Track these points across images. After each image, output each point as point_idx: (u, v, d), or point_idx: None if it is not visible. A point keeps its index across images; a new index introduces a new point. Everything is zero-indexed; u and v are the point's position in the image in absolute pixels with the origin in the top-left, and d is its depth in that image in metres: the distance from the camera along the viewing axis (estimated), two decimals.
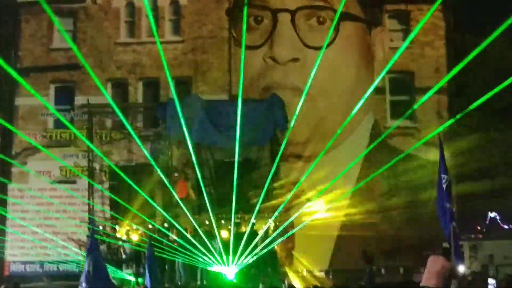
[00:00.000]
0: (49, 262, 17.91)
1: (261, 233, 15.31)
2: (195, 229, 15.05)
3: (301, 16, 18.71)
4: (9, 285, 14.76)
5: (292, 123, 14.41)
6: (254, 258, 14.46)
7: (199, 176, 15.12)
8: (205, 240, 14.67)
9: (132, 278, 15.35)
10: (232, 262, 14.23)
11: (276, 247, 16.09)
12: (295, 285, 15.60)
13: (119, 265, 15.80)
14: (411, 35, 18.08)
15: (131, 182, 14.07)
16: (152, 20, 17.74)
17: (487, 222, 18.81)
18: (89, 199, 17.99)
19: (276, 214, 15.63)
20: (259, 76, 18.63)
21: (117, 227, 17.00)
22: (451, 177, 17.86)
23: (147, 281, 11.76)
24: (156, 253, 13.90)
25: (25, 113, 18.91)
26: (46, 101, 18.80)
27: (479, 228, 18.83)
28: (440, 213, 9.68)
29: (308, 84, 13.38)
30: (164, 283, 15.17)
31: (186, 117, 15.99)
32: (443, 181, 9.31)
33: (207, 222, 15.48)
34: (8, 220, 17.99)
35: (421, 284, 11.21)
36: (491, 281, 13.69)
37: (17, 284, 14.31)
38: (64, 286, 16.07)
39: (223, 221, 15.73)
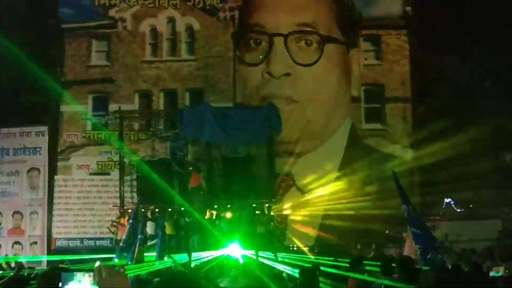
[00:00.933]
0: (88, 239, 17.98)
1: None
2: (205, 213, 15.07)
3: (292, 39, 18.85)
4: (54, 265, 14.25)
5: None
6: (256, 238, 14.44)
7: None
8: (213, 221, 14.81)
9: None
10: (236, 239, 14.24)
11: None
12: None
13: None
14: None
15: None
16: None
17: (443, 206, 18.96)
18: (120, 187, 17.69)
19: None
20: (258, 87, 18.79)
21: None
22: (415, 171, 18.33)
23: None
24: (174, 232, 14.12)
25: (69, 118, 19.02)
26: (85, 108, 19.10)
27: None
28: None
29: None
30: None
31: (198, 121, 16.25)
32: (404, 211, 7.86)
33: (215, 206, 15.42)
34: (55, 205, 18.09)
35: None
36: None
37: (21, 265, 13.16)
38: (99, 258, 16.13)
39: (228, 206, 15.54)
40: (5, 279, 7.93)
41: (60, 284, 4.40)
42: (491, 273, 6.90)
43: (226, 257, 13.89)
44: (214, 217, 15.13)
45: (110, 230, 16.50)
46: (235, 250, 14.10)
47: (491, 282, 6.83)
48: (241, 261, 13.54)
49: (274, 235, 16.15)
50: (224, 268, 11.68)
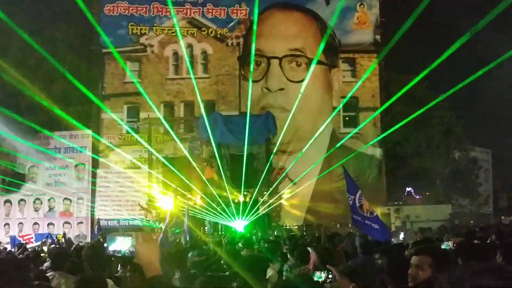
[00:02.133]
0: (123, 219, 17.92)
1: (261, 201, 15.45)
2: (217, 198, 15.01)
3: (285, 61, 18.96)
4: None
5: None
6: (255, 217, 14.48)
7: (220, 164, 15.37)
8: (223, 205, 14.76)
9: None
10: (241, 218, 14.43)
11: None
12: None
13: None
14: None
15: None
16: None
17: (405, 194, 19.03)
18: (148, 179, 17.84)
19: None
20: (258, 99, 18.81)
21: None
22: (383, 166, 18.31)
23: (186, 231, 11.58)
24: (192, 213, 13.96)
25: (108, 123, 19.05)
26: (121, 116, 19.01)
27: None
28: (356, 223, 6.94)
29: (295, 106, 13.54)
30: (196, 232, 14.67)
31: (211, 126, 16.23)
32: (357, 197, 6.48)
33: (224, 194, 15.28)
34: (97, 192, 18.14)
35: None
36: (401, 235, 13.22)
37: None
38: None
39: (235, 193, 15.59)
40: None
41: (105, 245, 4.34)
42: (442, 246, 6.81)
43: (234, 229, 14.08)
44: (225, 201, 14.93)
45: (142, 207, 16.55)
46: (240, 225, 14.26)
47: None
48: (242, 231, 13.75)
49: (271, 216, 16.33)
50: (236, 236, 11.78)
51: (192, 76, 18.47)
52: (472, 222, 17.01)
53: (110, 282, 4.23)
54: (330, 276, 2.95)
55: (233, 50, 19.56)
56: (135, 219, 17.45)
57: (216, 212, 14.53)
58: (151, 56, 19.49)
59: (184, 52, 18.89)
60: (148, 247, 2.24)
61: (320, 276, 2.97)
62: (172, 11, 18.81)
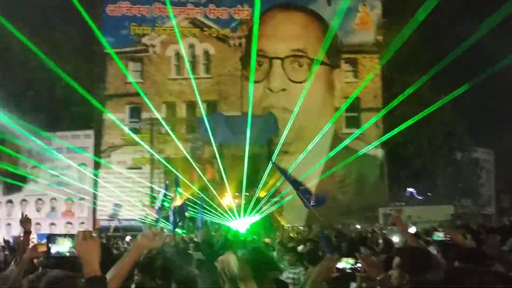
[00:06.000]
0: (124, 219, 17.90)
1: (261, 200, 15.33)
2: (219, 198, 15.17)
3: (287, 62, 18.94)
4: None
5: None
6: (256, 218, 14.49)
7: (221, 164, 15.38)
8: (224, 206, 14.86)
9: None
10: (242, 217, 14.48)
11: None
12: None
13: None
14: None
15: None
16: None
17: (407, 195, 18.95)
18: (150, 179, 18.13)
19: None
20: (260, 100, 18.74)
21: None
22: (385, 166, 18.22)
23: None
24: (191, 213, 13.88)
25: (110, 124, 18.98)
26: (123, 116, 18.99)
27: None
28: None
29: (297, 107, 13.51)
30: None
31: (213, 126, 16.23)
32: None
33: (226, 194, 15.56)
34: (98, 193, 18.10)
35: None
36: (413, 229, 13.28)
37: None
38: (132, 235, 16.04)
39: (236, 193, 15.77)
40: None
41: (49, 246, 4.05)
42: (434, 237, 6.60)
43: (236, 230, 13.62)
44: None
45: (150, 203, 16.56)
46: (242, 226, 14.02)
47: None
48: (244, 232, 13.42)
49: (273, 217, 16.42)
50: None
51: (194, 76, 18.37)
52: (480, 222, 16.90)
53: None
54: (358, 264, 2.85)
55: (235, 51, 19.56)
56: (135, 219, 17.46)
57: (217, 213, 14.52)
58: (153, 56, 19.53)
59: (186, 52, 18.69)
60: (87, 245, 2.17)
61: (348, 261, 2.86)
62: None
